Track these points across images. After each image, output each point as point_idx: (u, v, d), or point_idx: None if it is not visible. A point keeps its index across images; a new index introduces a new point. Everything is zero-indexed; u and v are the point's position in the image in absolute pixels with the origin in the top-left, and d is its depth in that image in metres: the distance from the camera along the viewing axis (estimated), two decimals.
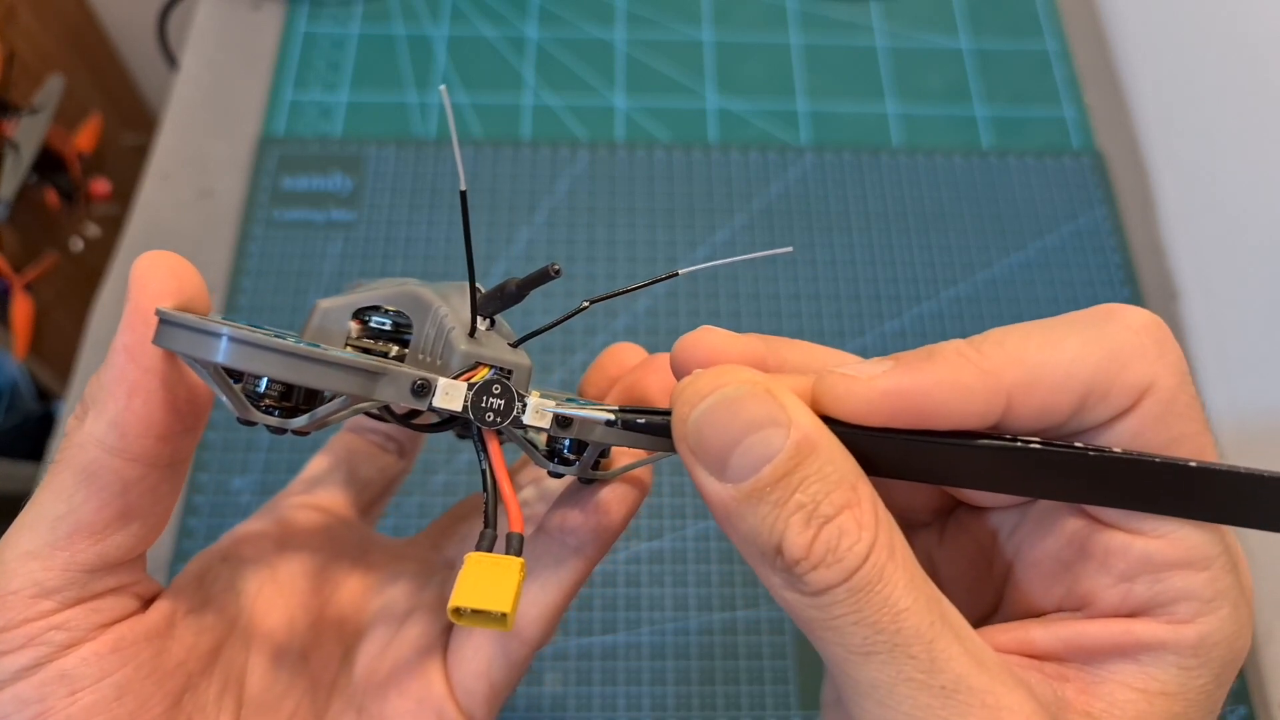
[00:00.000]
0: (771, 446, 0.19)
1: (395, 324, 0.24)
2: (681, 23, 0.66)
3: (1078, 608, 0.21)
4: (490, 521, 0.22)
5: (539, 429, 0.22)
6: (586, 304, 0.24)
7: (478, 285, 0.23)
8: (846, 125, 0.62)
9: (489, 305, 0.23)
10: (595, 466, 0.25)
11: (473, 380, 0.22)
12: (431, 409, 0.21)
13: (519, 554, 0.21)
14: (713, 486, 0.19)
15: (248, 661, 0.26)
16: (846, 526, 0.18)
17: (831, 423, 0.20)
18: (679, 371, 0.22)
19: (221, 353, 0.19)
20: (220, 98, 0.61)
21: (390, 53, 0.64)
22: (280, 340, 0.19)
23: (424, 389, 0.21)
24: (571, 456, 0.24)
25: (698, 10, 0.67)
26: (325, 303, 0.24)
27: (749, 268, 0.56)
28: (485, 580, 0.20)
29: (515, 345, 0.24)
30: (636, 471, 0.26)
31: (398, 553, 0.30)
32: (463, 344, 0.22)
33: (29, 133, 0.81)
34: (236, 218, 0.57)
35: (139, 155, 0.63)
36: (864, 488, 0.19)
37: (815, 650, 0.19)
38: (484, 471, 0.23)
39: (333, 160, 0.59)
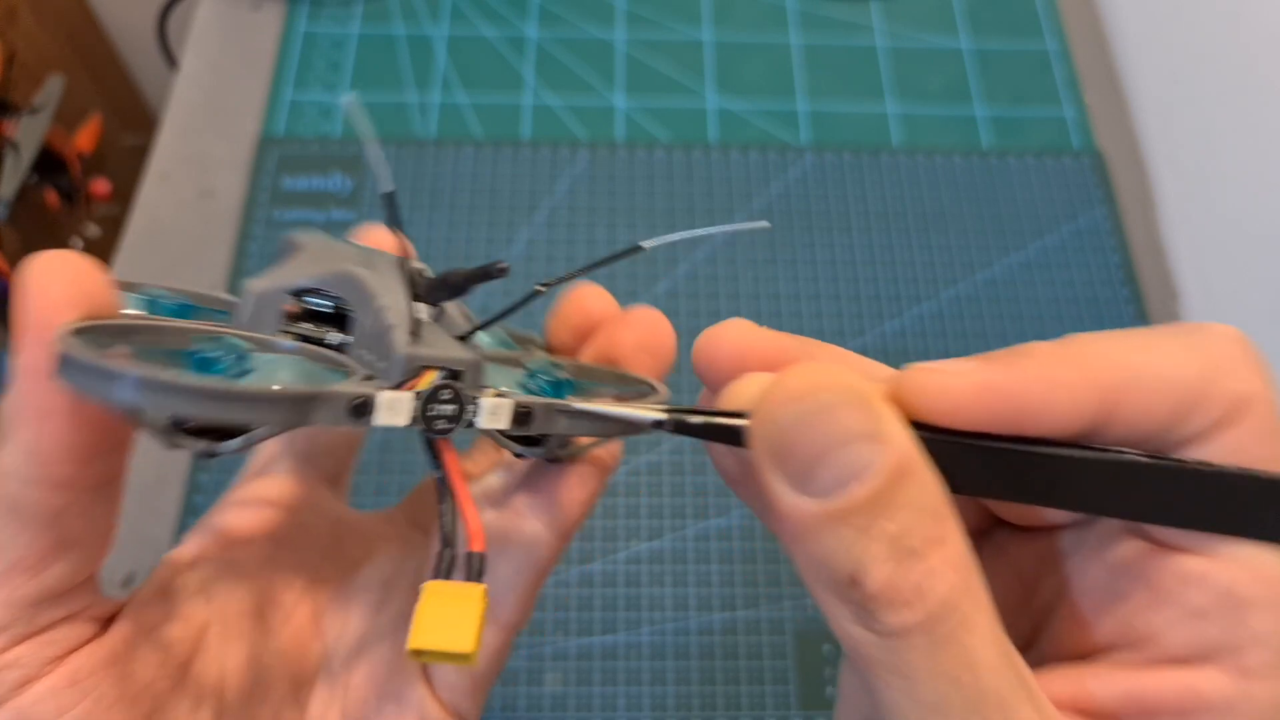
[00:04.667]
0: (867, 463, 0.17)
1: (337, 305, 0.22)
2: (681, 23, 0.66)
3: (1133, 646, 0.19)
4: (449, 539, 0.20)
5: (497, 430, 0.20)
6: (540, 288, 0.22)
7: (420, 266, 0.21)
8: (846, 125, 0.62)
9: (434, 294, 0.21)
10: (563, 444, 0.24)
11: (418, 388, 0.19)
12: (375, 427, 0.19)
13: (480, 577, 0.19)
14: (789, 498, 0.17)
15: (225, 666, 0.24)
16: (935, 565, 0.16)
17: (915, 428, 0.18)
18: (703, 366, 0.21)
19: (126, 394, 0.17)
20: (220, 98, 0.61)
21: (390, 53, 0.64)
22: (192, 378, 0.17)
23: (363, 408, 0.19)
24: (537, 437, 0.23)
25: (697, 10, 0.67)
26: (256, 286, 0.22)
27: (749, 268, 0.56)
28: (445, 614, 0.19)
29: (465, 338, 0.21)
30: (599, 451, 0.25)
31: (373, 533, 0.29)
32: (403, 346, 0.20)
33: (29, 133, 0.81)
34: (236, 218, 0.57)
35: (139, 155, 0.63)
36: (953, 521, 0.17)
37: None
38: (438, 481, 0.21)
39: (333, 160, 0.59)
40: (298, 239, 0.25)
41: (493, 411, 0.20)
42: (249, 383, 0.18)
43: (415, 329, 0.20)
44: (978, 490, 0.18)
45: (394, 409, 0.19)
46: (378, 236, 0.29)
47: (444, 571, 0.20)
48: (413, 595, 0.26)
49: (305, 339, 0.22)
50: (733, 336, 0.21)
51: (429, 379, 0.20)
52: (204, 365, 0.19)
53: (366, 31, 0.64)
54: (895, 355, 0.54)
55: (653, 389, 0.25)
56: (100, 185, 0.90)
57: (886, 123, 0.62)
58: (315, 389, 0.18)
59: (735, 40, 0.66)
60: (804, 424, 0.17)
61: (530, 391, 0.23)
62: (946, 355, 0.55)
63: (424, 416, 0.19)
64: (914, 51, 0.65)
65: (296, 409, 0.18)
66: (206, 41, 0.64)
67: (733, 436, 0.19)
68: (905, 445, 0.17)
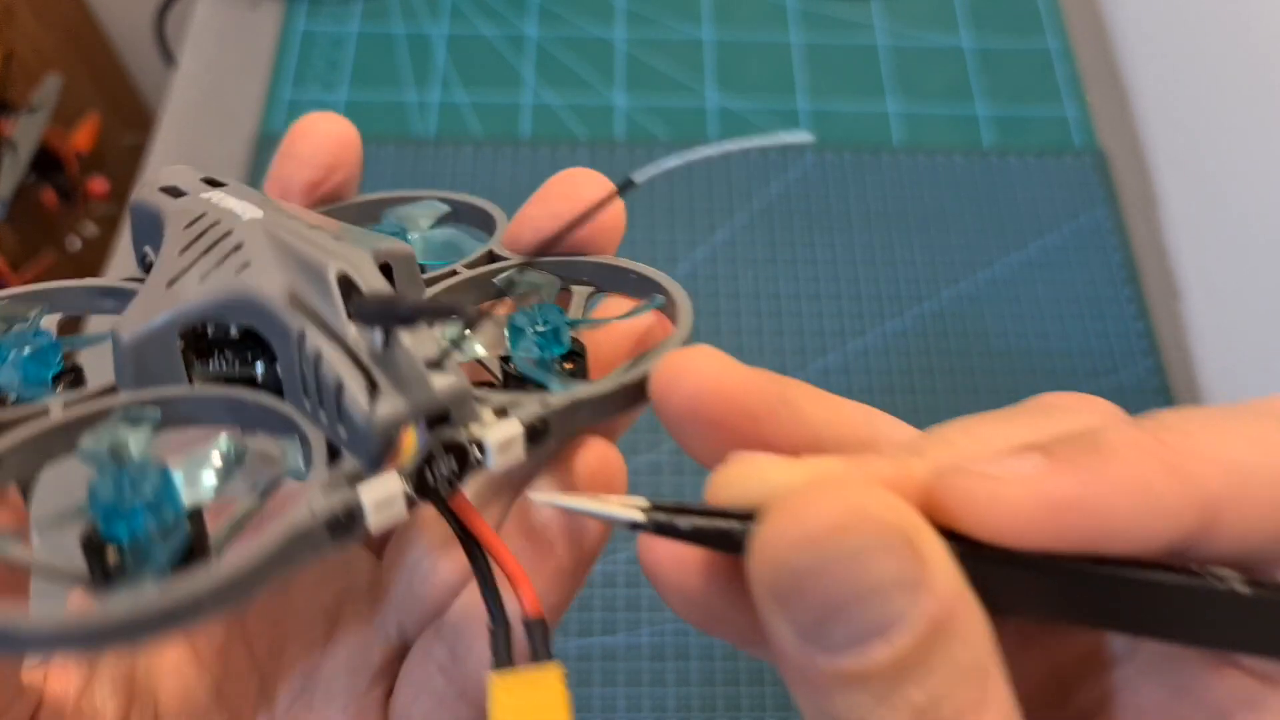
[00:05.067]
0: (894, 618, 0.13)
1: (244, 330, 0.18)
2: (681, 21, 0.66)
3: None
4: (497, 615, 0.17)
5: (512, 463, 0.17)
6: (499, 256, 0.18)
7: (354, 277, 0.16)
8: (847, 124, 0.62)
9: (377, 316, 0.16)
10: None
11: (403, 459, 0.15)
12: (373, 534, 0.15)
13: (550, 653, 0.16)
14: (794, 647, 0.13)
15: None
16: None
17: (953, 538, 0.14)
18: (662, 404, 0.17)
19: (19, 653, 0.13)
20: (218, 97, 0.61)
21: (389, 51, 0.63)
22: (95, 617, 0.12)
23: (350, 522, 0.14)
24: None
25: (697, 8, 0.67)
26: (127, 332, 0.17)
27: (749, 267, 0.56)
28: (525, 709, 0.15)
29: (437, 363, 0.16)
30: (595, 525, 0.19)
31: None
32: (368, 411, 0.15)
33: (27, 132, 0.81)
34: None
35: (137, 154, 0.63)
36: (995, 678, 0.14)
37: None
38: (463, 540, 0.17)
39: None
40: (160, 203, 0.20)
41: (504, 447, 0.16)
42: (183, 585, 0.13)
43: (369, 370, 0.15)
44: (1029, 612, 0.15)
45: (387, 506, 0.15)
46: (316, 145, 0.22)
47: (504, 655, 0.16)
48: (361, 625, 0.22)
49: (227, 380, 0.17)
50: (699, 371, 0.16)
51: (411, 440, 0.15)
52: (110, 517, 0.14)
53: (365, 30, 0.64)
54: (897, 354, 0.53)
55: (662, 291, 0.20)
56: (98, 184, 0.89)
57: (887, 122, 0.62)
58: (274, 545, 0.14)
59: (735, 39, 0.65)
60: (824, 572, 0.13)
61: (526, 367, 0.19)
62: (947, 355, 0.55)
63: (424, 490, 0.15)
64: (915, 50, 0.65)
65: (267, 569, 0.13)
66: (205, 40, 0.63)
67: (729, 544, 0.15)
68: (948, 588, 0.13)
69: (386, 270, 0.18)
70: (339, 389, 0.15)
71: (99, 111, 0.93)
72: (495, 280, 0.21)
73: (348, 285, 0.16)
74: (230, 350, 0.18)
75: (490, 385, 0.20)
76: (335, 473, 0.15)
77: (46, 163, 0.84)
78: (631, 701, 0.45)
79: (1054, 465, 0.14)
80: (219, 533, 0.15)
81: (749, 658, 0.46)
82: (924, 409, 0.52)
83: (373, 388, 0.15)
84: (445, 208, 0.24)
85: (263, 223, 0.18)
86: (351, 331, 0.16)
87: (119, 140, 1.00)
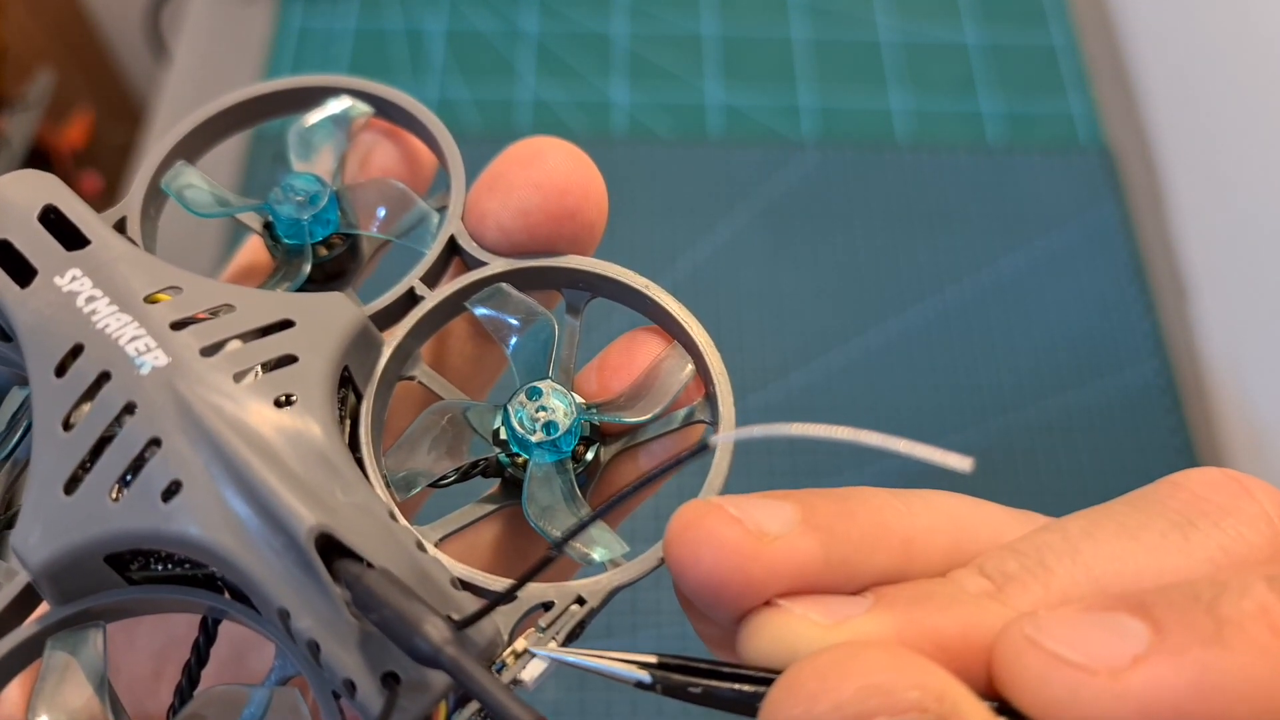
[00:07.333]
0: None
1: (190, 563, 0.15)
2: (682, 15, 0.65)
3: None
4: None
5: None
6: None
7: (338, 536, 0.14)
8: (850, 120, 0.61)
9: (394, 636, 0.13)
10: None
11: None
12: None
13: None
14: None
15: None
16: None
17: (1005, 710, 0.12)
18: (682, 572, 0.14)
19: None
20: (213, 92, 0.60)
21: (385, 47, 0.63)
22: None
23: None
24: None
25: (698, 2, 0.66)
26: (34, 555, 0.14)
27: (751, 264, 0.55)
28: None
29: (468, 622, 0.14)
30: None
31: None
32: None
33: (20, 127, 0.80)
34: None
35: (130, 151, 0.62)
36: None
37: None
38: None
39: None
40: None
41: (538, 673, 0.15)
42: None
43: (382, 664, 0.14)
44: None
45: None
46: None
47: None
48: None
49: (177, 579, 0.15)
50: (726, 551, 0.13)
51: (443, 714, 0.14)
52: None
53: (362, 25, 0.64)
54: (899, 354, 0.53)
55: (698, 415, 0.19)
56: (91, 180, 0.89)
57: (891, 118, 0.61)
58: None
59: (737, 34, 0.65)
60: None
61: (563, 476, 0.17)
62: (951, 354, 0.55)
63: None
64: (919, 45, 0.64)
65: None
66: (199, 36, 0.63)
67: (746, 709, 0.14)
68: None
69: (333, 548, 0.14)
70: (350, 685, 0.14)
71: (91, 107, 0.92)
72: (468, 305, 0.18)
73: (329, 546, 0.14)
74: (170, 565, 0.15)
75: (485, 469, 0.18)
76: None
77: (40, 158, 0.83)
78: (631, 706, 0.44)
79: (1157, 652, 0.11)
80: None
81: None
82: (927, 409, 0.51)
83: (390, 679, 0.13)
84: (366, 110, 0.20)
85: (174, 389, 0.15)
86: (346, 614, 0.13)
87: (112, 137, 0.99)
